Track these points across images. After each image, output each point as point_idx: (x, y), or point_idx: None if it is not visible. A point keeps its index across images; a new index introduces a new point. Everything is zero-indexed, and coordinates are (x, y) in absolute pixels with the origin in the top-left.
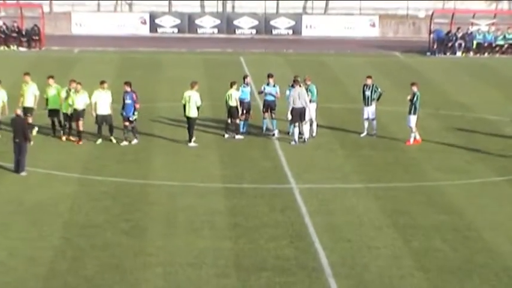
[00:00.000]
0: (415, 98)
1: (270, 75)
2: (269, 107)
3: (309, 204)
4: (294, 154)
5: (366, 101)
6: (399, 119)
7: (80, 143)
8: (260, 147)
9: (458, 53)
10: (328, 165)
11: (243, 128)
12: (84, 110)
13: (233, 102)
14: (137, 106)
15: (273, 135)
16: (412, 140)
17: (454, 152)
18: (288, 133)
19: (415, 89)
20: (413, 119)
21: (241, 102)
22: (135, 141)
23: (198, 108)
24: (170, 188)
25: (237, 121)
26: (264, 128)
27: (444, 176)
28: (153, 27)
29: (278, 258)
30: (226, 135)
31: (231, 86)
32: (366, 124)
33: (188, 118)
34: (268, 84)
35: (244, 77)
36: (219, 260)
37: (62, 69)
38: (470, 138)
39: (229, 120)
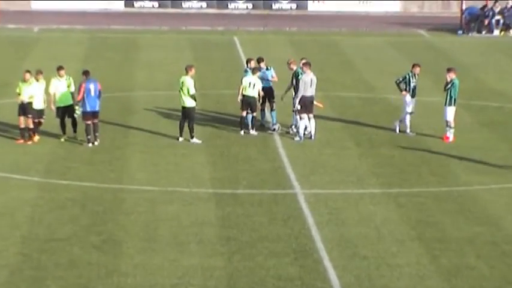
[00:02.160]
0: (449, 86)
1: (259, 60)
2: (266, 95)
3: (316, 214)
4: (298, 153)
5: (413, 92)
6: (425, 110)
7: (20, 142)
8: (258, 144)
9: (496, 32)
10: (340, 166)
11: (274, 120)
12: (30, 103)
13: (255, 92)
14: (78, 98)
15: (273, 130)
16: (451, 136)
17: (490, 150)
18: (291, 127)
19: (451, 75)
20: (449, 111)
21: (264, 87)
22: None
23: (192, 97)
24: (150, 194)
25: (254, 114)
26: (262, 122)
27: (479, 179)
28: (129, 1)
29: (280, 279)
30: (242, 132)
31: (254, 73)
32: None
33: (183, 108)
34: (260, 70)
35: (259, 61)
36: (209, 281)
37: (19, 51)
38: (510, 134)
39: (244, 113)
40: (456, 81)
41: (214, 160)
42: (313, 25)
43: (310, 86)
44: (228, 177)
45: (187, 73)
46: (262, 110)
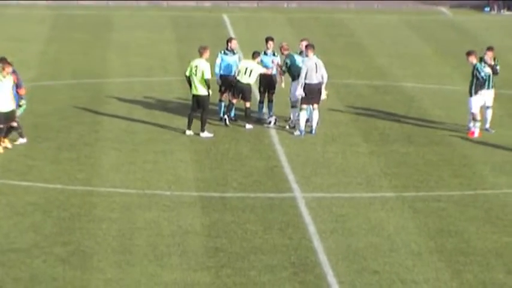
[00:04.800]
0: (475, 72)
1: (269, 39)
2: (268, 84)
3: (319, 221)
4: (298, 150)
5: (487, 83)
6: (446, 100)
7: None
8: (250, 140)
9: None
10: (347, 165)
11: (271, 112)
12: None
13: (251, 80)
14: (21, 92)
15: (269, 123)
16: (477, 130)
17: None
18: (288, 121)
19: (471, 60)
20: (474, 101)
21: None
22: (20, 140)
23: (206, 83)
24: (124, 198)
25: (248, 104)
26: (260, 115)
27: (509, 182)
28: None
29: None
30: (228, 122)
31: (254, 57)
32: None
33: (196, 97)
34: (265, 53)
35: (268, 40)
36: None
37: None
38: None
39: (234, 101)
40: (479, 66)
41: (200, 158)
42: (316, 1)
43: (316, 71)
44: (216, 178)
45: (201, 55)
46: (261, 102)
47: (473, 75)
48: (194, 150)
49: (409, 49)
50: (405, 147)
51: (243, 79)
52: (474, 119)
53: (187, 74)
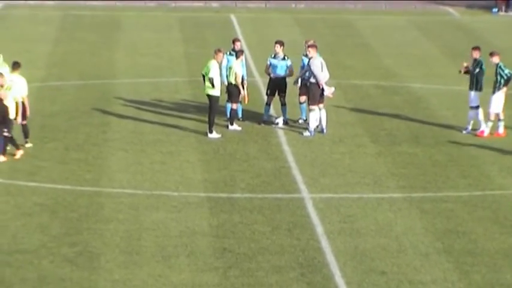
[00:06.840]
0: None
1: (278, 43)
2: (278, 88)
3: (327, 222)
4: (306, 151)
5: (470, 83)
6: (453, 100)
7: None
8: (258, 141)
9: None
10: (354, 166)
11: (285, 116)
12: None
13: (233, 80)
14: None
15: (277, 123)
16: (487, 130)
17: None
18: (298, 121)
19: (495, 60)
20: (496, 100)
21: (277, 77)
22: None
23: (211, 83)
24: (132, 199)
25: (234, 106)
26: (266, 116)
27: None
28: None
29: None
30: (231, 127)
31: (237, 56)
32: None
33: (207, 96)
34: (275, 56)
35: (276, 43)
36: None
37: None
38: None
39: (233, 106)
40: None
41: (208, 159)
42: (323, 1)
43: (322, 71)
44: (224, 179)
45: (214, 56)
46: (268, 104)
47: (497, 75)
48: (202, 151)
49: (417, 50)
50: (413, 148)
51: (229, 79)
52: (489, 119)
53: (203, 72)
